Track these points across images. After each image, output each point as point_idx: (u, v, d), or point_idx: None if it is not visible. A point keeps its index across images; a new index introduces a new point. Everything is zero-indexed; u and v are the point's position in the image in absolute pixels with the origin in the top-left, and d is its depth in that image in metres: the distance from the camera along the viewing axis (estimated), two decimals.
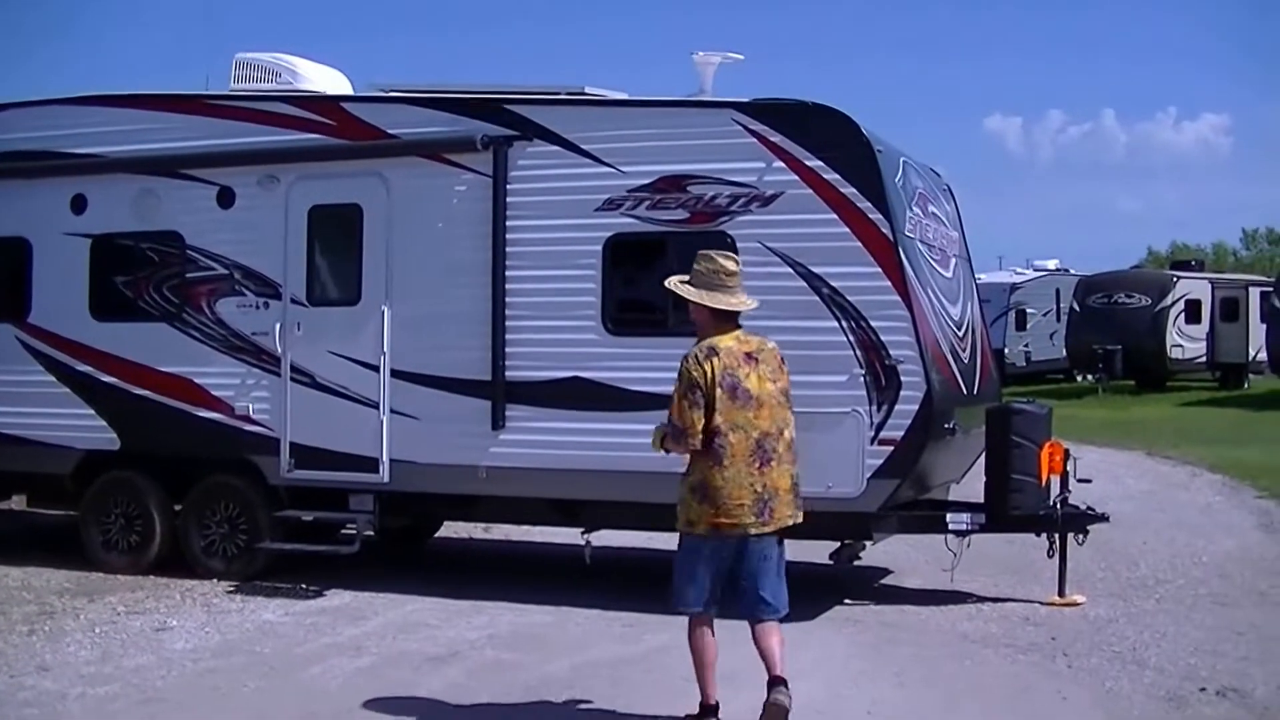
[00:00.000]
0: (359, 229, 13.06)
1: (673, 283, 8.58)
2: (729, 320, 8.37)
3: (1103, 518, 12.53)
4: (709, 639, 8.50)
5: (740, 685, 8.93)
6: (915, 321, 11.50)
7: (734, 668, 9.22)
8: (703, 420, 8.12)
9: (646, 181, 12.12)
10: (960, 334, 12.96)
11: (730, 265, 8.42)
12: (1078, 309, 45.17)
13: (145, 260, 13.94)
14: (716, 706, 8.48)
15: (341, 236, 13.18)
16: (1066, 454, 12.30)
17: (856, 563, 12.73)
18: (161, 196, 13.81)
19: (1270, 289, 42.32)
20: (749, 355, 8.27)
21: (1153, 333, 43.27)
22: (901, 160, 12.57)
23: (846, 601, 12.06)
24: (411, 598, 12.49)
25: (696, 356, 8.22)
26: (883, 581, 13.43)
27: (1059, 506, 12.22)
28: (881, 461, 11.44)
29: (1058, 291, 49.43)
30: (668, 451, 8.47)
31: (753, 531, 8.27)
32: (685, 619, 8.58)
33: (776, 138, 11.80)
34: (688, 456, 8.35)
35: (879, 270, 11.53)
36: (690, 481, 8.32)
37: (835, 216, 11.63)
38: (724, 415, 8.12)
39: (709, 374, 8.13)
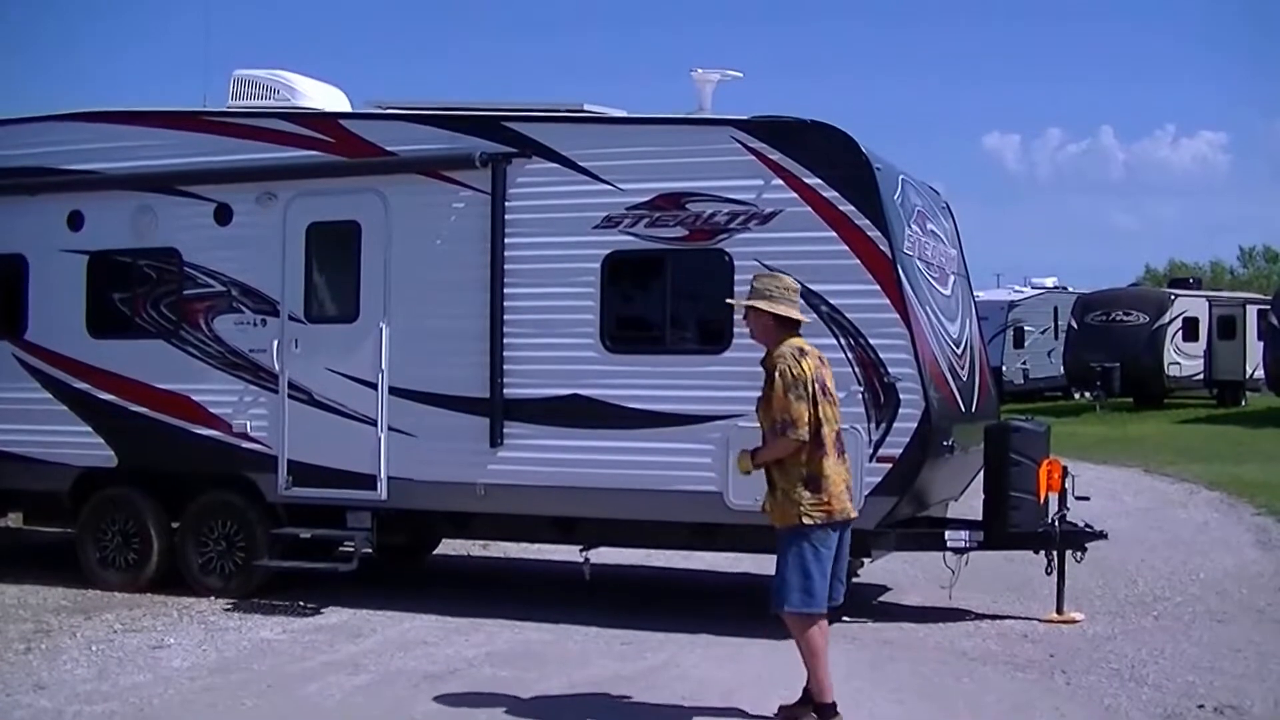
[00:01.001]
0: (357, 246, 13.05)
1: (744, 299, 9.02)
2: (793, 329, 8.89)
3: (1101, 535, 12.52)
4: (826, 634, 8.80)
5: (740, 700, 8.92)
6: (914, 339, 11.50)
7: (735, 684, 9.23)
8: (809, 413, 8.54)
9: (645, 199, 12.12)
10: (959, 352, 12.96)
11: (791, 281, 9.05)
12: (1075, 326, 45.22)
13: (142, 277, 13.94)
14: (834, 705, 8.74)
15: (339, 253, 13.17)
16: (1065, 471, 12.29)
17: (855, 579, 12.71)
18: (159, 213, 13.79)
19: (1267, 307, 42.39)
20: (820, 357, 8.88)
21: (1150, 350, 43.34)
22: (900, 178, 12.58)
23: (845, 619, 12.04)
24: (409, 615, 12.46)
25: (793, 356, 8.68)
26: (881, 599, 13.41)
27: (1057, 524, 12.21)
28: (880, 479, 11.44)
29: (1056, 309, 49.50)
30: (757, 467, 8.76)
31: (852, 516, 8.87)
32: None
33: (775, 155, 11.81)
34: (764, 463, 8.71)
35: (878, 288, 11.53)
36: (799, 475, 8.60)
37: (834, 234, 11.64)
38: (820, 409, 8.62)
39: (807, 371, 8.63)
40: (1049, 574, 12.33)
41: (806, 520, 8.54)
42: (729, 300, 8.90)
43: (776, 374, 8.58)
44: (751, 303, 8.86)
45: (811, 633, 8.64)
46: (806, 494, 8.55)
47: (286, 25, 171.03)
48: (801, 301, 9.23)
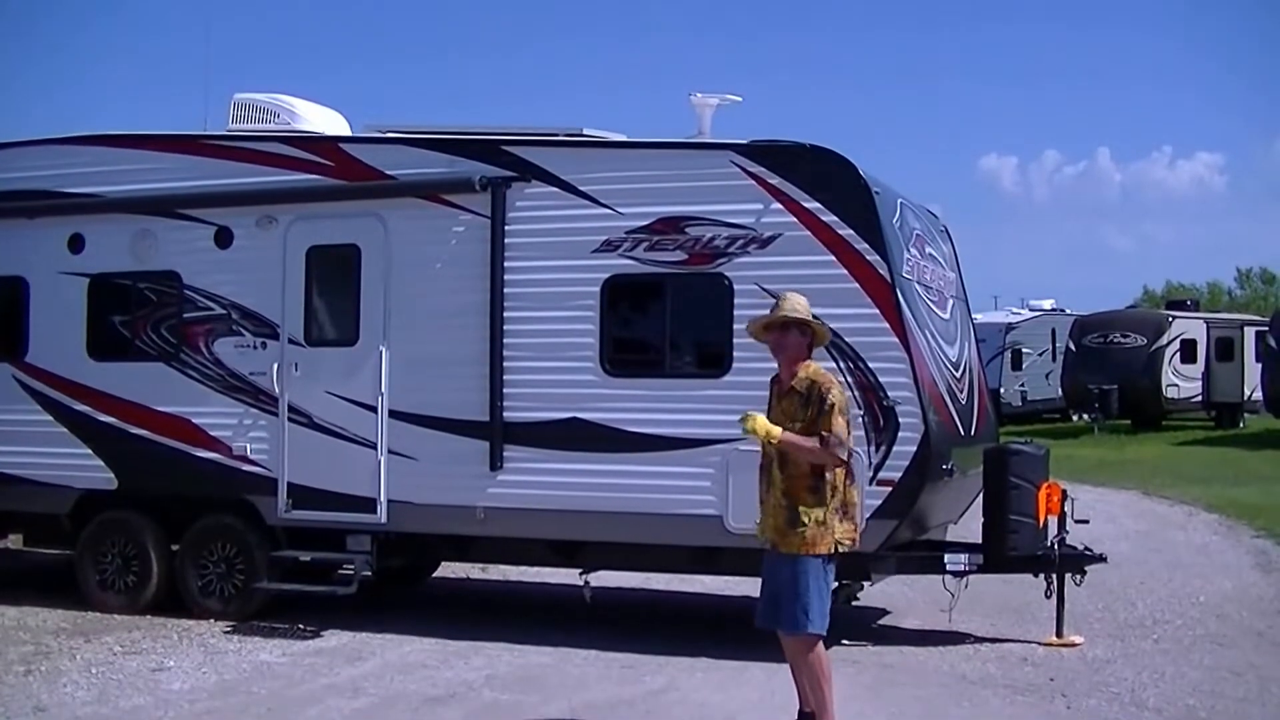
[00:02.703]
0: (357, 269, 13.08)
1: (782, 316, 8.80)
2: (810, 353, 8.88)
3: (1100, 558, 12.53)
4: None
5: None
6: (913, 363, 11.53)
7: (735, 708, 9.22)
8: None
9: (645, 223, 12.15)
10: (958, 375, 12.98)
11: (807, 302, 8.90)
12: (1073, 349, 45.23)
13: (143, 300, 13.95)
14: None
15: (339, 277, 13.20)
16: (1064, 494, 12.31)
17: (854, 603, 12.73)
18: (159, 236, 13.82)
19: (1265, 328, 42.46)
20: None
21: (1148, 372, 43.37)
22: (899, 201, 12.61)
23: (844, 642, 12.04)
24: (409, 638, 12.45)
25: (837, 380, 8.84)
26: (880, 622, 13.42)
27: (1056, 547, 12.23)
28: (879, 502, 11.45)
29: (1053, 331, 49.58)
30: (779, 448, 8.56)
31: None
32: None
33: (774, 179, 11.85)
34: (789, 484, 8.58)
35: (876, 312, 11.56)
36: (833, 505, 8.56)
37: (833, 258, 11.67)
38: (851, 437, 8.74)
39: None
40: (1049, 597, 12.34)
41: (840, 548, 8.58)
42: (789, 315, 8.60)
43: (832, 396, 8.50)
44: (810, 319, 8.79)
45: (823, 655, 8.64)
46: (838, 523, 8.55)
47: (282, 47, 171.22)
48: None
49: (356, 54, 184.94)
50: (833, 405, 8.47)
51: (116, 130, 14.40)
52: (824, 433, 8.41)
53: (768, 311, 8.86)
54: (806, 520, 8.49)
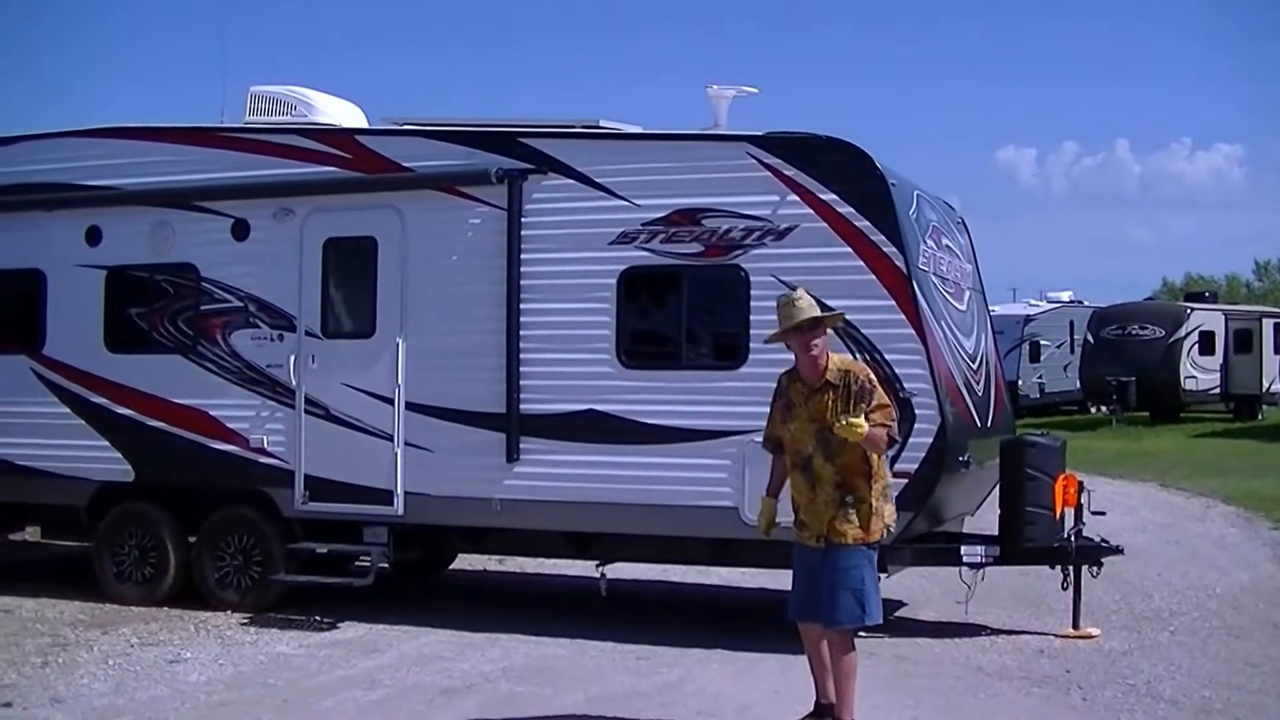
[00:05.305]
0: (374, 262, 13.08)
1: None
2: None
3: (1117, 550, 12.51)
4: None
5: (755, 715, 8.92)
6: (929, 355, 11.51)
7: (750, 699, 9.21)
8: None
9: (661, 215, 12.14)
10: (974, 367, 12.96)
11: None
12: (1091, 341, 45.14)
13: (160, 292, 13.98)
14: None
15: (356, 269, 13.21)
16: (1080, 486, 12.28)
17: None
18: (176, 229, 13.83)
19: None
20: None
21: (1166, 364, 43.23)
22: (915, 193, 12.59)
23: (861, 634, 12.03)
24: (426, 630, 12.48)
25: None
26: (897, 614, 13.38)
27: (1073, 539, 12.21)
28: (895, 493, 11.41)
29: (1071, 323, 49.41)
30: (867, 443, 8.50)
31: None
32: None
33: (791, 171, 11.83)
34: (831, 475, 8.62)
35: (893, 304, 11.54)
36: (879, 490, 8.66)
37: (849, 250, 11.66)
38: None
39: None
40: (1065, 589, 12.33)
41: (890, 532, 8.78)
42: (819, 317, 8.61)
43: (874, 382, 8.65)
44: (839, 321, 8.99)
45: (853, 649, 8.71)
46: (886, 508, 8.67)
47: (297, 38, 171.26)
48: None
49: (371, 45, 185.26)
50: (878, 393, 8.60)
51: (133, 123, 14.41)
52: (887, 423, 8.57)
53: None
54: (858, 510, 8.55)
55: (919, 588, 14.23)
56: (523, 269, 12.48)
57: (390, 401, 12.90)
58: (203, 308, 13.71)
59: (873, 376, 8.72)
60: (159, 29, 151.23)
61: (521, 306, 12.47)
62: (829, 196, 11.72)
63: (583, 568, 13.81)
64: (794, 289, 9.01)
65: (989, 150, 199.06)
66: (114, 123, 14.53)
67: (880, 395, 8.61)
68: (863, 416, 8.35)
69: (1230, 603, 14.01)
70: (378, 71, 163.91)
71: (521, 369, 12.46)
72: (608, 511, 12.21)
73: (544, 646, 11.85)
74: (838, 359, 8.74)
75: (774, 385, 8.97)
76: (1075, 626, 12.29)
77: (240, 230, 13.60)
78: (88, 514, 14.12)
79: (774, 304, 8.98)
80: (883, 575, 12.03)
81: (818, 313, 8.69)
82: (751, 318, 11.71)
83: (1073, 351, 48.64)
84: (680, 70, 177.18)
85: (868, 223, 11.63)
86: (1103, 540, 12.43)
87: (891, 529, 8.76)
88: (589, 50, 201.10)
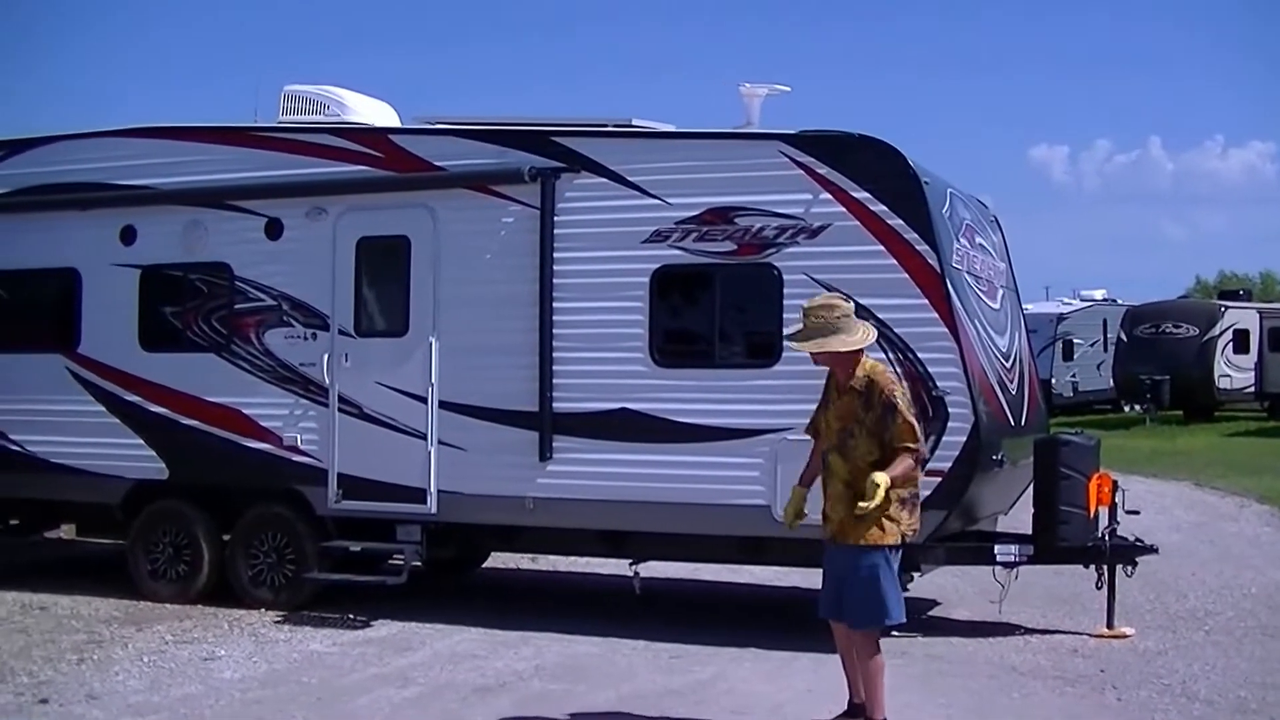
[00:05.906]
0: (406, 260, 13.10)
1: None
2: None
3: (1151, 549, 12.46)
4: None
5: (788, 715, 8.91)
6: (962, 353, 11.48)
7: (783, 699, 9.20)
8: None
9: (694, 213, 12.13)
10: (1007, 365, 12.93)
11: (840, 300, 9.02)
12: (1125, 339, 45.00)
13: (194, 291, 14.02)
14: None
15: (389, 268, 13.23)
16: (1114, 485, 12.25)
17: (904, 594, 12.67)
18: (210, 228, 13.87)
19: None
20: None
21: (1200, 363, 43.09)
22: (948, 191, 12.56)
23: (894, 633, 11.99)
24: (458, 628, 12.49)
25: (895, 377, 9.06)
26: (930, 613, 13.36)
27: (1107, 538, 12.17)
28: (929, 493, 11.32)
29: (1105, 322, 49.24)
30: (888, 491, 8.40)
31: None
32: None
33: (823, 170, 11.81)
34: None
35: (926, 302, 11.51)
36: (901, 495, 8.57)
37: (882, 248, 11.63)
38: None
39: None
40: (1099, 588, 12.28)
41: (906, 539, 8.66)
42: (845, 347, 8.60)
43: (895, 398, 8.54)
44: (863, 342, 8.73)
45: (878, 650, 8.70)
46: (906, 514, 8.58)
47: (329, 36, 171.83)
48: None
49: (394, 40, 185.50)
50: (899, 411, 8.49)
51: (168, 123, 14.46)
52: (909, 445, 8.47)
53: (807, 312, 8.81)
54: (875, 511, 8.43)
55: (952, 587, 14.20)
56: (555, 268, 12.48)
57: (423, 400, 12.92)
58: (236, 307, 13.75)
59: (897, 392, 8.63)
60: (159, 27, 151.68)
61: (554, 305, 12.47)
62: (862, 195, 11.70)
63: (615, 566, 13.82)
64: (820, 297, 8.99)
65: (1022, 148, 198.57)
66: (148, 123, 14.56)
67: (902, 415, 8.50)
68: (875, 488, 8.25)
69: (1265, 602, 13.95)
70: (400, 68, 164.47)
71: (554, 367, 12.46)
72: (640, 510, 12.21)
73: (576, 645, 11.86)
74: (869, 365, 8.70)
75: (805, 384, 8.97)
76: (1109, 626, 12.25)
77: (273, 229, 13.63)
78: (122, 512, 14.16)
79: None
80: (916, 574, 12.10)
81: (824, 338, 8.61)
82: (784, 316, 11.67)
83: (1106, 350, 48.48)
84: (711, 68, 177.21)
85: (900, 221, 11.60)
86: (1137, 539, 12.38)
87: (909, 536, 8.67)
88: (620, 49, 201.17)
